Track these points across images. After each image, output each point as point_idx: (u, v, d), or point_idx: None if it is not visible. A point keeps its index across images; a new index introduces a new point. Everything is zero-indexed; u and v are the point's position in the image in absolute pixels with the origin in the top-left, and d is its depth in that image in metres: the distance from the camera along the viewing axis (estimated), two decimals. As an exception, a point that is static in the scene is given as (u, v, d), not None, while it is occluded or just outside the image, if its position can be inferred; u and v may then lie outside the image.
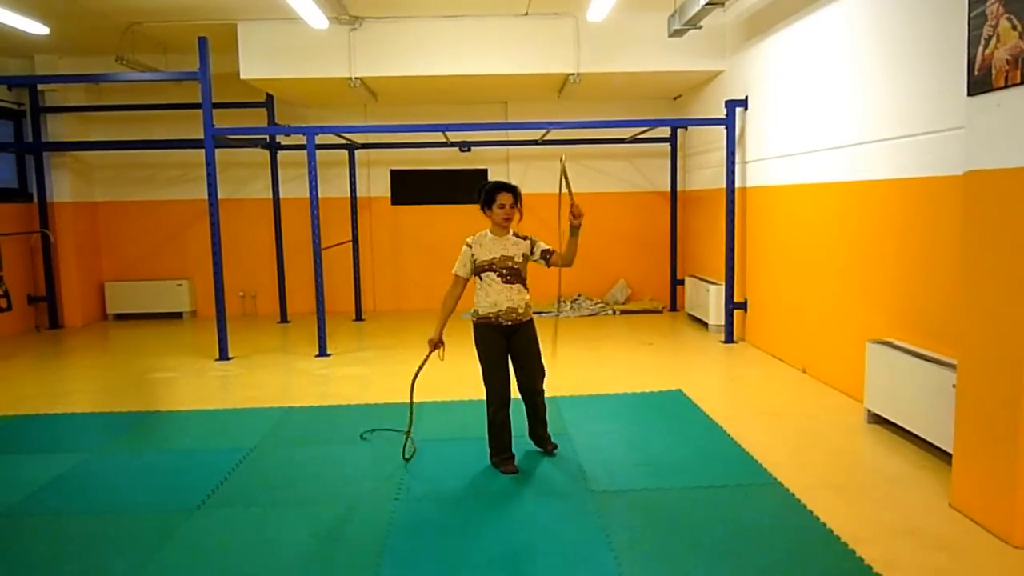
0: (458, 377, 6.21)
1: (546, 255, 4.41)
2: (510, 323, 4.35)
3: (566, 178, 4.24)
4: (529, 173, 10.70)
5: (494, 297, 4.32)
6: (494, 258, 4.31)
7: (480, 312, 4.38)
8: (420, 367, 4.65)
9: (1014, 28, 3.26)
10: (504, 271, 4.31)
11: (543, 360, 4.57)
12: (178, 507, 4.05)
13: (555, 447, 4.74)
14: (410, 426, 4.75)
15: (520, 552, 3.50)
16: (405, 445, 4.72)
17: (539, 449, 4.74)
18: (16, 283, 9.55)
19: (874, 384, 5.07)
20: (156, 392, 6.63)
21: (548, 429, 4.76)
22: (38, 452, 5.08)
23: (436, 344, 4.47)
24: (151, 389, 6.74)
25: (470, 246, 4.37)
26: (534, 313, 4.54)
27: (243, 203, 10.66)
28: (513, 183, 4.42)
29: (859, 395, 5.38)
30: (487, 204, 4.33)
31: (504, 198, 4.29)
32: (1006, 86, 3.33)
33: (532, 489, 4.21)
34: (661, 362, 7.39)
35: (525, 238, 4.42)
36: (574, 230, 4.27)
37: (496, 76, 8.67)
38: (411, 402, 4.73)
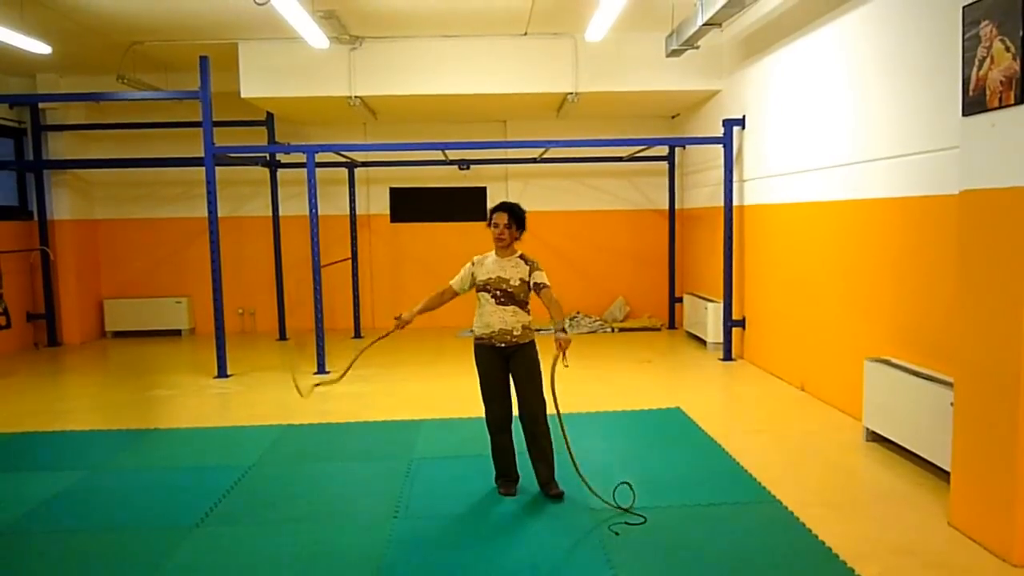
0: (458, 395, 6.23)
1: (537, 288, 4.28)
2: (504, 344, 4.26)
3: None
4: (528, 191, 10.74)
5: (487, 318, 4.26)
6: (489, 279, 4.27)
7: (476, 332, 4.34)
8: (381, 337, 4.60)
9: (1007, 50, 3.31)
10: (498, 292, 4.24)
11: (542, 386, 4.30)
12: (177, 524, 4.05)
13: (560, 494, 4.31)
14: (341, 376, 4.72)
15: (519, 570, 3.50)
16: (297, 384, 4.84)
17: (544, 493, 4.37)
18: (15, 300, 9.55)
19: (872, 402, 5.07)
20: (155, 410, 6.62)
21: (555, 472, 4.38)
22: (38, 469, 5.07)
23: (402, 324, 4.36)
24: (150, 407, 6.74)
25: (473, 264, 4.38)
26: (536, 330, 4.40)
27: (243, 221, 10.69)
28: (515, 203, 4.40)
29: (857, 413, 5.39)
30: (488, 224, 4.35)
31: (498, 217, 4.26)
32: (1000, 106, 3.37)
33: (531, 507, 4.21)
34: (659, 380, 7.39)
35: (529, 263, 4.33)
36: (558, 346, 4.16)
37: (495, 95, 8.73)
38: (352, 360, 4.71)
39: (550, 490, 4.32)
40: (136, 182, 10.73)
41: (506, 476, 4.41)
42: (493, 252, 4.36)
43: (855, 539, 3.70)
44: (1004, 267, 3.40)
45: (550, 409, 4.27)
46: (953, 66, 4.09)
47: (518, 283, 4.25)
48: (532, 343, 4.34)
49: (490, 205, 4.55)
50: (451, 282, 4.41)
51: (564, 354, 4.11)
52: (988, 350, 3.52)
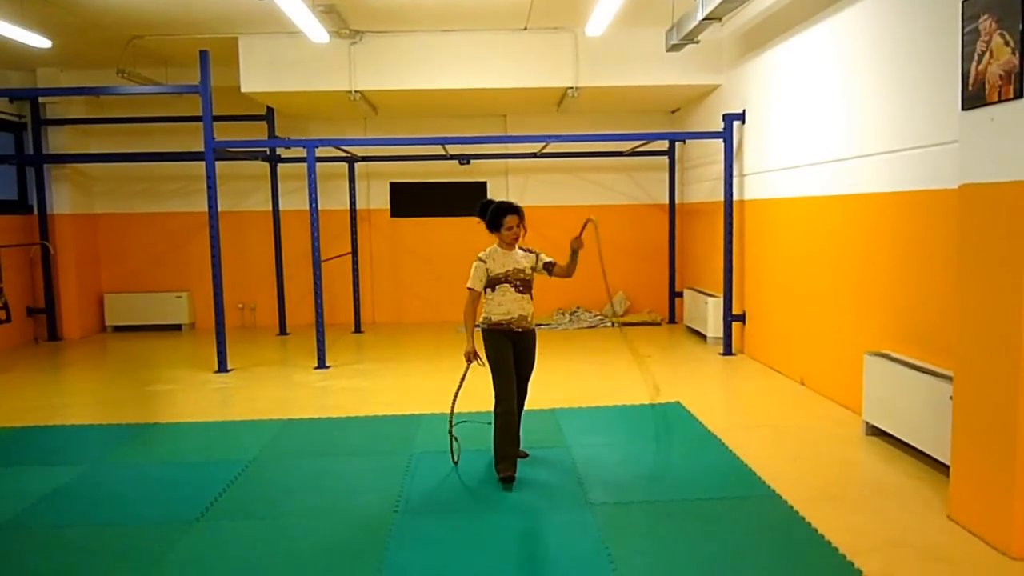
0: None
1: (548, 266, 4.64)
2: (520, 329, 4.54)
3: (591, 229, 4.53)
4: (528, 186, 10.75)
5: (508, 306, 4.51)
6: (508, 271, 4.51)
7: (493, 319, 4.52)
8: (461, 382, 4.72)
9: (1007, 44, 3.30)
10: (518, 283, 4.53)
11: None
12: (178, 519, 4.06)
13: (526, 454, 4.85)
14: (451, 437, 4.80)
15: (520, 564, 3.51)
16: (452, 450, 4.81)
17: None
18: (15, 295, 9.56)
19: (872, 396, 5.08)
20: (155, 404, 6.64)
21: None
22: (37, 464, 5.08)
23: (473, 355, 4.55)
24: (150, 401, 6.75)
25: (483, 261, 4.53)
26: (536, 325, 4.70)
27: (243, 215, 10.70)
28: (515, 203, 4.60)
29: (857, 407, 5.40)
30: (494, 227, 4.52)
31: (510, 220, 4.49)
32: (999, 101, 3.37)
33: (531, 501, 4.22)
34: (660, 374, 7.39)
35: (530, 251, 4.64)
36: (574, 253, 4.57)
37: (495, 90, 8.73)
38: (451, 417, 4.79)
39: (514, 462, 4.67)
40: (136, 176, 10.72)
41: (510, 456, 4.47)
42: (495, 247, 4.57)
43: (855, 532, 3.71)
44: (1003, 261, 3.40)
45: None
46: (952, 60, 4.09)
47: (530, 272, 4.59)
48: (535, 328, 4.70)
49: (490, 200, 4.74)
50: (471, 286, 4.55)
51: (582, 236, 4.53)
52: (987, 343, 3.53)
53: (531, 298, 4.61)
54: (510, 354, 4.53)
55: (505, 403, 4.46)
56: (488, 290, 4.53)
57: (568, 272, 4.63)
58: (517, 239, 4.55)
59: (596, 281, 4.74)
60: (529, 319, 4.59)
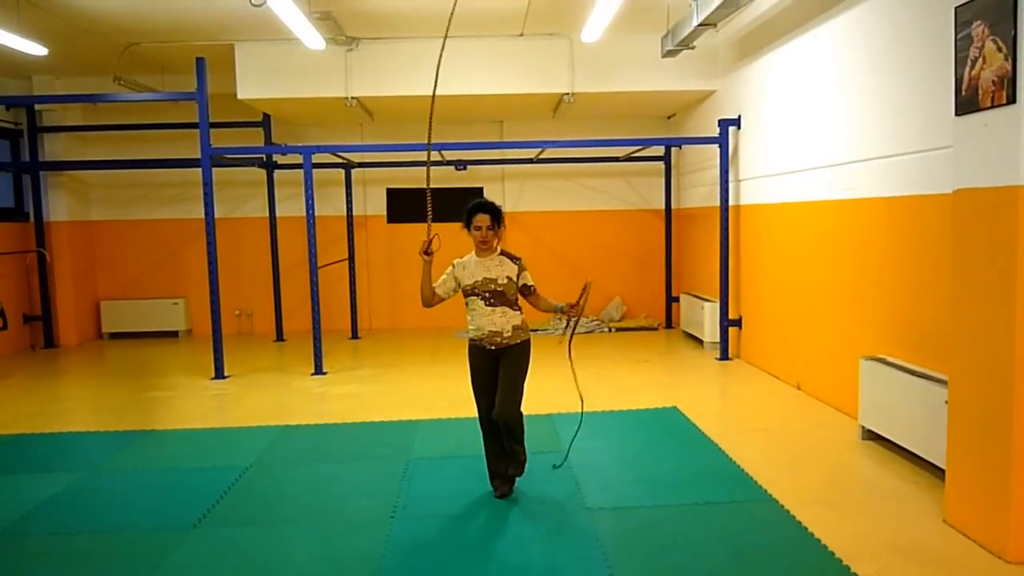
0: (455, 395, 6.23)
1: (527, 289, 4.23)
2: (494, 347, 4.19)
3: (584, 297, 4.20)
4: (524, 191, 10.76)
5: (478, 321, 4.19)
6: (476, 282, 4.17)
7: (469, 335, 4.29)
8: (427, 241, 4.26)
9: (999, 50, 3.33)
10: (487, 294, 4.16)
11: (522, 391, 4.25)
12: (175, 526, 4.05)
13: (511, 488, 4.37)
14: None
15: (516, 570, 3.51)
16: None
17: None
18: (12, 302, 9.54)
19: (868, 400, 5.09)
20: (152, 411, 6.63)
21: (522, 472, 4.39)
22: (35, 471, 5.07)
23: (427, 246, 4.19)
24: (147, 408, 6.74)
25: (454, 267, 4.28)
26: (532, 331, 4.36)
27: (240, 222, 10.69)
28: (492, 201, 4.29)
29: (853, 411, 5.41)
30: (467, 226, 4.21)
31: (480, 220, 4.15)
32: (992, 106, 3.40)
33: (528, 506, 4.22)
34: (656, 379, 7.41)
35: (516, 260, 4.25)
36: (564, 315, 4.22)
37: (492, 96, 8.74)
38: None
39: (505, 485, 4.34)
40: (133, 183, 10.72)
41: (501, 476, 4.37)
42: (473, 255, 4.27)
43: (851, 536, 3.72)
44: (997, 265, 3.42)
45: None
46: (945, 66, 4.11)
47: (506, 281, 4.16)
48: (524, 344, 4.24)
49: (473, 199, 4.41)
50: (434, 285, 4.28)
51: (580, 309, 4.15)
52: (982, 348, 3.54)
53: (511, 310, 4.18)
54: (486, 374, 4.23)
55: (482, 426, 4.31)
56: (465, 303, 4.25)
57: (542, 310, 4.27)
58: (486, 243, 4.17)
59: (594, 286, 4.45)
60: (506, 334, 4.15)
